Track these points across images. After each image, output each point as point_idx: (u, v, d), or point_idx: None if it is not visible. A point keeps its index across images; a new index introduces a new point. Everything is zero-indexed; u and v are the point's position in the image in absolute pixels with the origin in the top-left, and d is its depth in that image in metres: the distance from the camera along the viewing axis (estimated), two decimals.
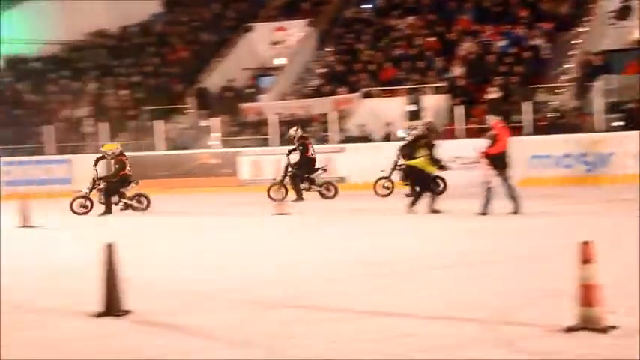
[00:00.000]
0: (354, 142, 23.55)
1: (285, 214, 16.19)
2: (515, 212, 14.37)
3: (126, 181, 17.77)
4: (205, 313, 7.68)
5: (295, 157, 19.49)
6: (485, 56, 26.57)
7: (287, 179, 19.48)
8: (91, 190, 17.84)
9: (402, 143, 19.06)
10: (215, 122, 26.14)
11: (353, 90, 27.18)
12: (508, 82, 25.13)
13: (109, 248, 7.52)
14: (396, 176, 18.94)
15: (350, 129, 25.46)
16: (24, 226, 15.84)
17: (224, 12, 34.36)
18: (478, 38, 27.39)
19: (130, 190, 17.79)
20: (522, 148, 20.31)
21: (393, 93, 26.42)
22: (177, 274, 9.99)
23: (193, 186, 23.89)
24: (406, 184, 18.28)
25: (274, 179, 20.06)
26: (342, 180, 22.05)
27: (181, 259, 11.50)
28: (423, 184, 15.78)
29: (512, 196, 14.52)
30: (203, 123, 27.69)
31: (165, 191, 19.86)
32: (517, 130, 22.12)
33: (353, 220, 15.52)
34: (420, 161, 15.75)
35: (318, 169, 19.64)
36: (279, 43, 32.04)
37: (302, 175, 19.42)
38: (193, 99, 29.13)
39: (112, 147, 18.50)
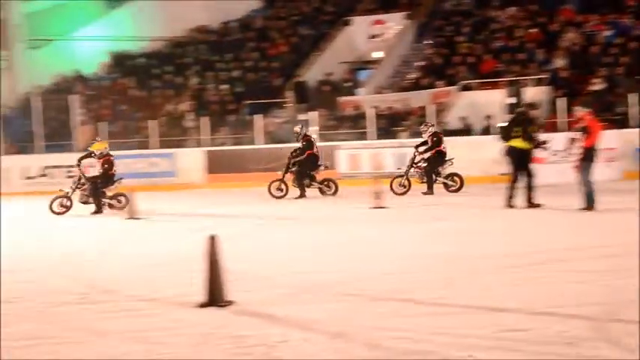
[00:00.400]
0: (453, 135, 23.32)
1: (383, 207, 16.21)
2: (587, 209, 14.03)
3: (110, 180, 17.61)
4: (306, 305, 7.76)
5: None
6: (589, 47, 25.91)
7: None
8: (74, 190, 17.80)
9: (419, 141, 19.84)
10: (313, 116, 26.31)
11: (451, 83, 26.93)
12: (613, 73, 24.45)
13: (212, 240, 7.68)
14: (413, 174, 19.37)
15: (450, 122, 25.24)
16: (130, 218, 16.31)
17: (323, 6, 34.53)
18: (582, 29, 26.74)
19: (112, 190, 17.61)
20: (628, 141, 19.76)
21: (492, 86, 26.05)
22: (278, 266, 10.12)
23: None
24: (422, 182, 19.17)
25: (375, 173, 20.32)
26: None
27: (281, 251, 11.64)
28: (522, 166, 15.10)
29: (589, 192, 14.15)
30: (301, 117, 27.89)
31: (264, 185, 20.14)
32: (622, 123, 21.59)
33: (451, 214, 15.38)
34: (517, 141, 15.30)
35: (320, 165, 19.88)
36: (377, 36, 32.01)
37: (305, 171, 19.76)
38: (292, 93, 29.38)
39: (100, 146, 18.02)
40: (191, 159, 25.93)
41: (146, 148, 26.73)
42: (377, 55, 31.42)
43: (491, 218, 14.52)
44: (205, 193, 23.05)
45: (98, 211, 17.46)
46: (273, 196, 19.43)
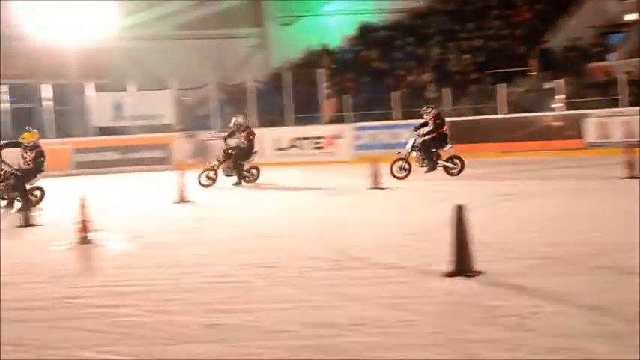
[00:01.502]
0: None
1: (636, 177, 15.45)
2: None
3: (37, 173, 15.84)
4: (557, 276, 7.58)
5: (233, 142, 19.32)
6: None
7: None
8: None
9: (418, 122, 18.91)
10: (559, 84, 25.40)
11: None
12: None
13: (459, 209, 7.68)
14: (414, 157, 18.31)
15: None
16: (374, 188, 16.65)
17: None
18: None
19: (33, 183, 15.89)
20: None
21: None
22: (522, 238, 9.94)
23: (534, 149, 23.52)
24: (423, 165, 18.17)
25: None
26: None
27: (522, 223, 11.41)
28: None
29: None
30: (546, 85, 27.03)
31: (505, 154, 19.67)
32: None
33: None
34: None
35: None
36: None
37: (244, 159, 19.17)
38: (536, 61, 28.52)
39: (32, 137, 16.01)
40: None
41: (389, 119, 27.05)
42: (630, 17, 29.75)
43: None
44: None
45: (25, 207, 14.68)
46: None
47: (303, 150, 24.97)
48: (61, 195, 17.26)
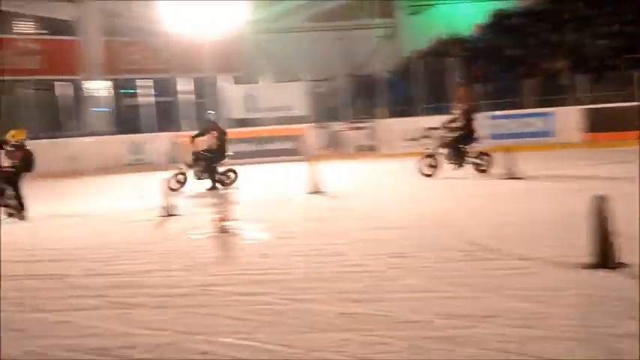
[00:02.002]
0: None
1: None
2: None
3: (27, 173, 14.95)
4: None
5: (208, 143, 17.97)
6: None
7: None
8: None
9: (448, 117, 17.89)
10: None
11: None
12: None
13: (601, 200, 7.50)
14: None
15: None
16: (508, 178, 16.41)
17: None
18: None
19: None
20: None
21: None
22: None
23: None
24: (451, 162, 17.20)
25: None
26: None
27: None
28: None
29: None
30: None
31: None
32: None
33: None
34: None
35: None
36: None
37: (218, 161, 17.92)
38: None
39: (21, 135, 15.03)
40: (568, 118, 25.31)
41: (521, 108, 26.55)
42: None
43: None
44: (582, 153, 22.39)
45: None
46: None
47: (433, 140, 24.91)
48: (198, 186, 17.85)
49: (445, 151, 17.89)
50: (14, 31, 28.86)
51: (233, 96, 28.77)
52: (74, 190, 20.23)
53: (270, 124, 28.04)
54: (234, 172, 18.26)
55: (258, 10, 32.10)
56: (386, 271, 8.23)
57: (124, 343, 6.10)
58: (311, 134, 27.02)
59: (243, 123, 28.60)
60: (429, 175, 17.72)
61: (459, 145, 17.82)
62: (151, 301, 7.41)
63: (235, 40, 31.07)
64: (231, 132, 27.77)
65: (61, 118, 26.89)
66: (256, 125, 28.29)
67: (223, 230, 11.18)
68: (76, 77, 28.92)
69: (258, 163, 25.23)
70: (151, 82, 28.35)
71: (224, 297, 7.45)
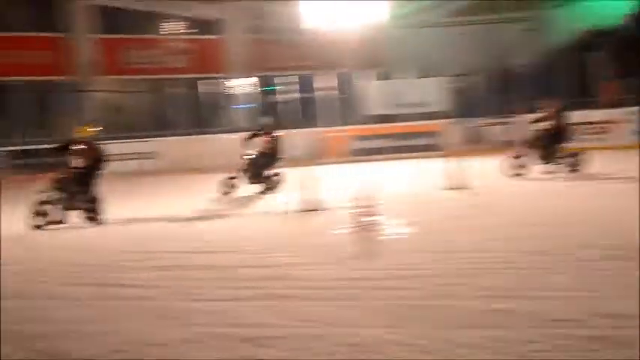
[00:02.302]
0: None
1: None
2: None
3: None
4: None
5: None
6: None
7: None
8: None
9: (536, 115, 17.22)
10: None
11: None
12: None
13: None
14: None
15: None
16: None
17: None
18: None
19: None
20: None
21: None
22: None
23: None
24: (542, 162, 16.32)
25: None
26: None
27: None
28: None
29: None
30: None
31: None
32: None
33: None
34: None
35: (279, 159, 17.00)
36: None
37: (268, 166, 16.99)
38: None
39: (93, 131, 14.18)
40: None
41: None
42: None
43: None
44: None
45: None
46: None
47: (577, 135, 24.33)
48: (340, 181, 18.13)
49: (535, 150, 17.44)
50: (163, 31, 29.98)
51: (373, 92, 28.95)
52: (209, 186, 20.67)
53: (410, 120, 28.07)
54: (278, 175, 17.30)
55: (400, 6, 32.15)
56: (529, 269, 8.20)
57: (274, 333, 6.35)
58: (451, 130, 26.86)
59: (383, 119, 28.74)
60: (518, 175, 17.32)
61: (550, 144, 17.30)
62: (301, 293, 7.67)
63: (377, 36, 31.22)
64: (371, 128, 28.12)
65: (205, 115, 27.74)
66: (396, 121, 28.37)
67: (366, 226, 11.35)
68: (220, 75, 29.79)
69: (398, 158, 25.31)
70: (295, 79, 28.83)
71: (370, 291, 7.62)
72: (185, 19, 30.00)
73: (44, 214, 13.39)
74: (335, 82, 28.92)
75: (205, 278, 8.68)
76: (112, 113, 28.40)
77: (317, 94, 29.14)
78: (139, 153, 24.68)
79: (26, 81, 25.80)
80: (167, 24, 30.23)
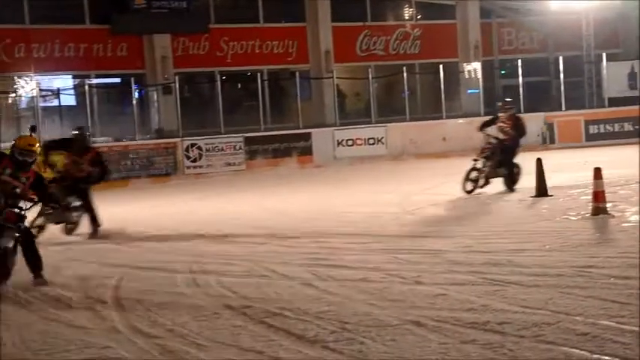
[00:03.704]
0: None
1: None
2: None
3: None
4: None
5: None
6: None
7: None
8: None
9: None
10: None
11: None
12: None
13: None
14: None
15: None
16: None
17: None
18: None
19: None
20: None
21: None
22: None
23: None
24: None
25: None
26: None
27: None
28: None
29: None
30: None
31: None
32: None
33: None
34: None
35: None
36: None
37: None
38: None
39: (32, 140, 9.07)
40: None
41: None
42: None
43: None
44: None
45: None
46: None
47: None
48: (574, 166, 17.46)
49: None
50: (399, 18, 30.05)
51: (611, 74, 27.59)
52: (448, 170, 20.31)
53: None
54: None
55: None
56: None
57: (500, 319, 6.17)
58: None
59: (623, 102, 27.31)
60: (469, 192, 14.52)
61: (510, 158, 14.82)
62: (526, 279, 7.44)
63: (616, 17, 29.64)
64: (609, 111, 26.76)
65: (442, 100, 27.56)
66: (635, 104, 26.87)
67: (599, 212, 10.85)
68: (454, 59, 29.46)
69: (633, 144, 24.00)
70: (525, 63, 28.14)
71: (602, 279, 7.26)
72: (417, 4, 29.90)
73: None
74: (566, 65, 27.78)
75: (428, 262, 8.61)
76: (352, 99, 29.14)
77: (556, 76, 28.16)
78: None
79: (269, 70, 26.94)
80: (402, 10, 30.29)
